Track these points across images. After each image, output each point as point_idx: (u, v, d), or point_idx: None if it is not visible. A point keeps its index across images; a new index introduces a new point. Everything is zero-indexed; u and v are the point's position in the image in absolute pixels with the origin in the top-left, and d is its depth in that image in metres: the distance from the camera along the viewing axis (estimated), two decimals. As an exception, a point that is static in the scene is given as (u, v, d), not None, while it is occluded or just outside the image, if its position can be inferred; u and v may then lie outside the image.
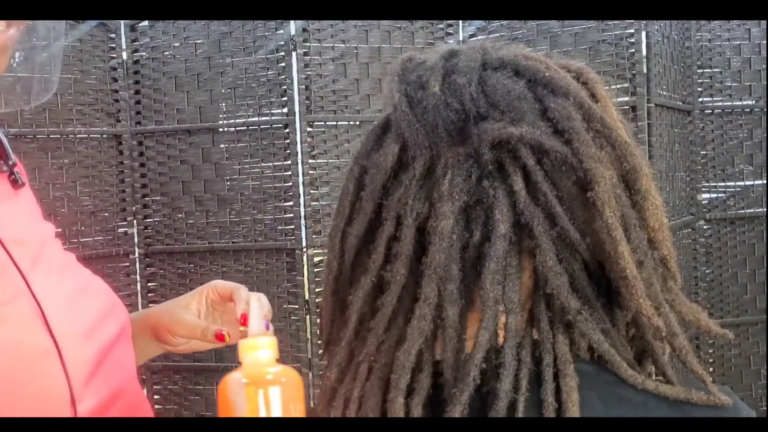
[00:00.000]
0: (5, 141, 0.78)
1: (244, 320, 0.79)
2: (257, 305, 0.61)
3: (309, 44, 2.07)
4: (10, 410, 0.66)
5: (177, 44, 2.15)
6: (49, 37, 0.79)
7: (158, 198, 2.19)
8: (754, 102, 2.25)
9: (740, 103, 2.25)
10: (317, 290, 2.07)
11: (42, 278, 0.73)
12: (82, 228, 2.06)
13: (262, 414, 0.52)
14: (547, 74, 0.58)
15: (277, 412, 0.53)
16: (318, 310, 2.04)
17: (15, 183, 0.79)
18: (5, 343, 0.67)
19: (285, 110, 2.07)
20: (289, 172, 2.08)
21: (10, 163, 0.78)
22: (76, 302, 0.76)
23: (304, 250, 2.07)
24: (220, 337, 0.82)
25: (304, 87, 2.06)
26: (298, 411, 0.54)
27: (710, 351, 2.26)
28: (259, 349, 0.55)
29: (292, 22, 2.04)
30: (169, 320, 0.87)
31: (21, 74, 0.80)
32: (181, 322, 0.86)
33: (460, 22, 2.17)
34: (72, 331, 0.72)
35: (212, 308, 0.89)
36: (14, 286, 0.70)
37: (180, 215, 2.17)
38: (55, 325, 0.70)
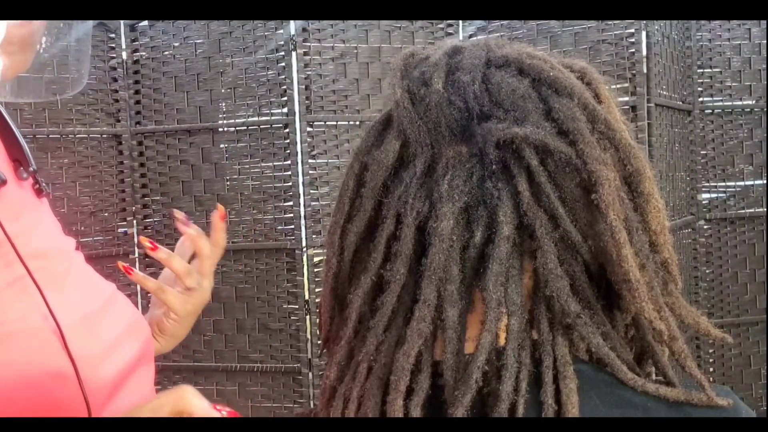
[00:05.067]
0: (25, 145, 0.73)
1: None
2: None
3: (309, 44, 2.07)
4: None
5: (177, 44, 2.14)
6: (78, 31, 0.76)
7: (158, 198, 2.19)
8: (754, 102, 2.25)
9: (740, 103, 2.25)
10: (317, 290, 2.07)
11: (61, 294, 0.69)
12: (82, 228, 2.06)
13: None
14: (551, 74, 0.57)
15: None
16: (317, 309, 2.03)
17: (39, 192, 0.74)
18: (13, 363, 0.63)
19: (285, 110, 2.07)
20: (289, 172, 2.07)
21: (31, 169, 0.73)
22: (97, 320, 0.71)
23: (304, 250, 2.07)
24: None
25: (304, 87, 2.05)
26: None
27: (710, 351, 2.25)
28: None
29: (292, 22, 2.04)
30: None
31: (51, 66, 0.76)
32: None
33: (460, 22, 2.17)
34: (92, 351, 0.68)
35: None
36: (28, 303, 0.65)
37: (180, 215, 2.16)
38: (73, 344, 0.65)
